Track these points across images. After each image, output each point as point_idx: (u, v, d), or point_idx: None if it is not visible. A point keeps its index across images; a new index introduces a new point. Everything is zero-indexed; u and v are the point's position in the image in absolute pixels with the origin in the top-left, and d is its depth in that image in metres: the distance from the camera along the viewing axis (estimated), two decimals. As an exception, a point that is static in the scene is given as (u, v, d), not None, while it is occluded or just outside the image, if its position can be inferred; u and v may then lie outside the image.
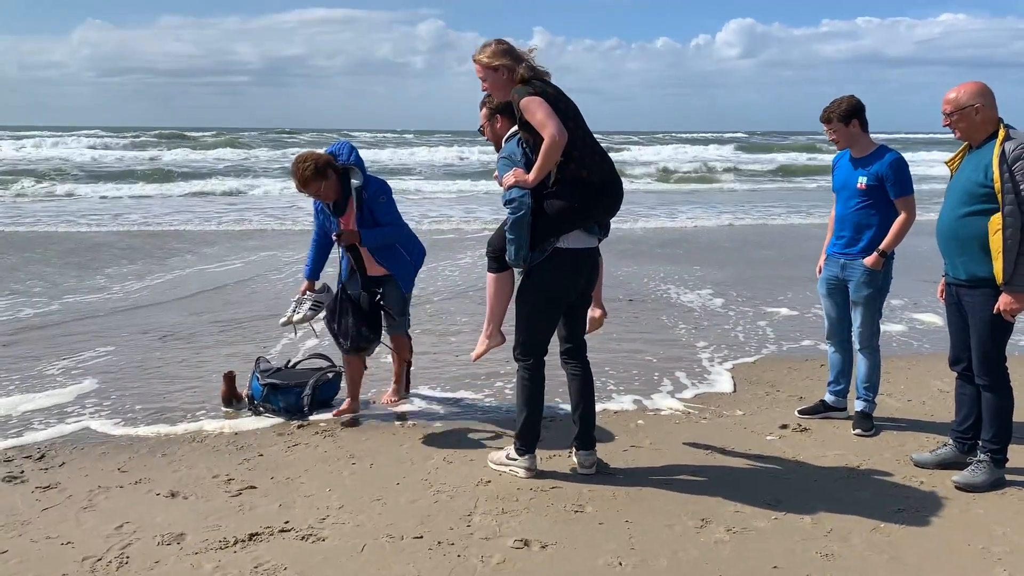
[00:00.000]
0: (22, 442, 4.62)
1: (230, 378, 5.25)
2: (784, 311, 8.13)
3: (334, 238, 4.84)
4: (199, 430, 4.83)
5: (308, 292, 5.05)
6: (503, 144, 4.09)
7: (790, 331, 7.34)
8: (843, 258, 4.70)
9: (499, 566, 3.24)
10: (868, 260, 4.56)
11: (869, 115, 4.63)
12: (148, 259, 11.06)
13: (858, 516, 3.68)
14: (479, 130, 4.31)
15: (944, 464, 4.20)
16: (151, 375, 5.90)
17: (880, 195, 4.53)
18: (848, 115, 4.56)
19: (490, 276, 4.08)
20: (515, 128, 3.98)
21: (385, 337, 5.04)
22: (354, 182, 4.77)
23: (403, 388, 5.42)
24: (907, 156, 5.20)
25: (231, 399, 5.22)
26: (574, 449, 4.16)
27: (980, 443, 4.06)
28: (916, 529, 3.57)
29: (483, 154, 34.79)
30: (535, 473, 4.07)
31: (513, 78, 3.84)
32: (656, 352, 6.60)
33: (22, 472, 4.18)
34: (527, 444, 4.08)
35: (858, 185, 4.56)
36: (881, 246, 4.53)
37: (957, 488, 3.97)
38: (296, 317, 4.95)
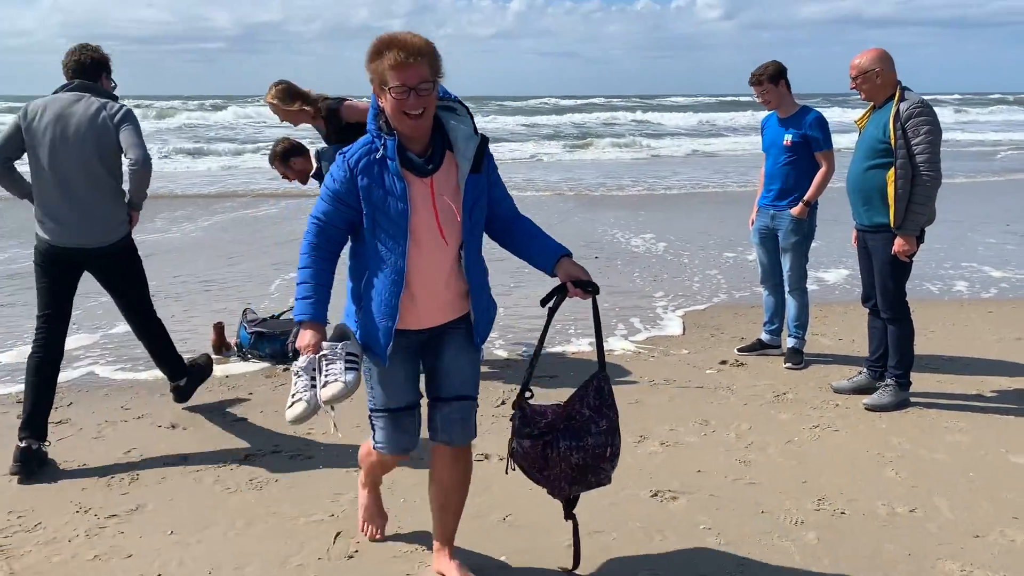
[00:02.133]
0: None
1: (219, 328, 5.71)
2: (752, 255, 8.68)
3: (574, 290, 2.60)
4: (193, 374, 5.29)
5: (323, 345, 2.58)
6: (318, 164, 4.94)
7: (741, 281, 7.87)
8: (772, 209, 5.21)
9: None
10: (794, 210, 5.06)
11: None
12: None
13: (776, 432, 4.23)
14: (284, 176, 5.26)
15: (859, 390, 4.74)
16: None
17: (804, 151, 5.02)
18: (776, 76, 5.03)
19: None
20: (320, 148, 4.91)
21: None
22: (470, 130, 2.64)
23: None
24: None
25: (220, 347, 5.69)
26: None
27: (887, 369, 4.61)
28: (824, 441, 4.12)
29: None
30: None
31: (312, 108, 4.79)
32: (617, 302, 7.11)
33: (35, 410, 4.64)
34: None
35: (784, 142, 5.05)
36: (805, 197, 5.03)
37: (867, 409, 4.52)
38: (329, 393, 2.48)
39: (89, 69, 4.06)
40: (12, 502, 3.52)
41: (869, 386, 4.73)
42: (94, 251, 3.99)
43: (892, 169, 4.24)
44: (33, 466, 3.77)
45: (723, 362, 5.41)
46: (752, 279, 7.83)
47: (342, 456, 3.97)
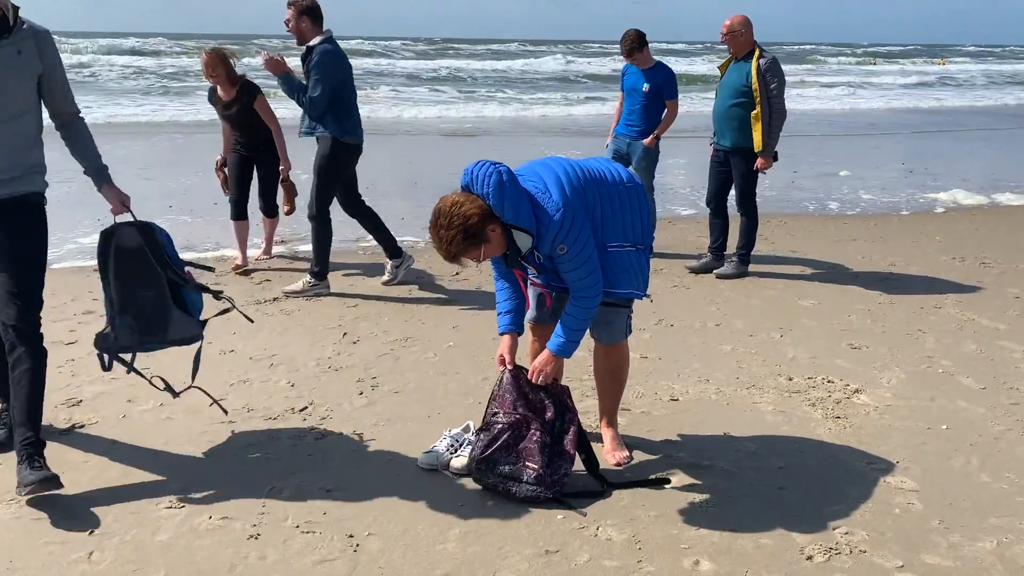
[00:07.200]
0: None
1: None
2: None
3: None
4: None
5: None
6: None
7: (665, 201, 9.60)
8: (628, 138, 6.78)
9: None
10: (646, 141, 6.68)
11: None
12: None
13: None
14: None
15: (706, 268, 6.50)
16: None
17: (656, 97, 6.62)
18: (641, 43, 6.59)
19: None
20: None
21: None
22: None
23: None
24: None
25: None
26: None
27: (736, 249, 6.39)
28: (677, 297, 5.89)
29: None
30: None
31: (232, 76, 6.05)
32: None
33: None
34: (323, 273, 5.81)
35: (643, 89, 6.63)
36: (655, 131, 6.64)
37: (718, 278, 6.33)
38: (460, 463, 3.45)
39: None
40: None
41: (712, 265, 6.48)
42: None
43: (755, 108, 5.95)
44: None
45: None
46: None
47: (345, 299, 5.69)
